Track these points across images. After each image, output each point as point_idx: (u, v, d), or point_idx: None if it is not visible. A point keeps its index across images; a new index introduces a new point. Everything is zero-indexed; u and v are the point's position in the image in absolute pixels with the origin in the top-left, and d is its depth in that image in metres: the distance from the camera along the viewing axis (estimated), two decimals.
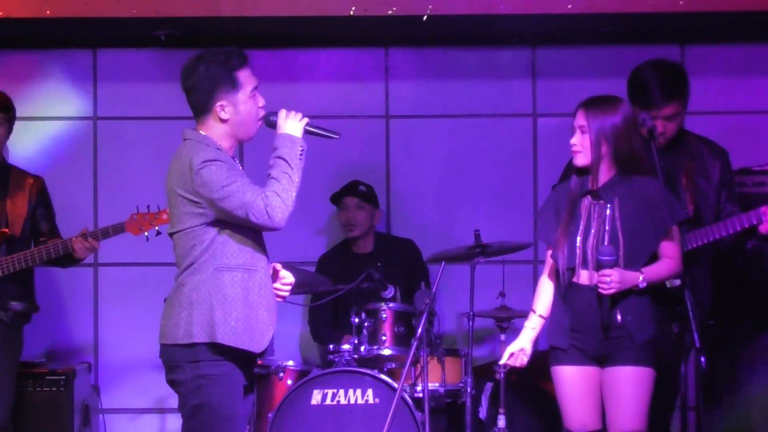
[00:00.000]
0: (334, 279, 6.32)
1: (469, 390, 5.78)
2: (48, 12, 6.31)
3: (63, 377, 6.29)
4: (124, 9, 6.33)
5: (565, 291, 4.81)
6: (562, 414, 4.87)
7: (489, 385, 6.20)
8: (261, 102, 4.44)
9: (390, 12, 6.36)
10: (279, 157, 4.33)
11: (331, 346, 6.03)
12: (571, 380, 4.81)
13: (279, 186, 4.28)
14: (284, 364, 5.98)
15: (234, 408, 4.29)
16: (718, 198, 5.27)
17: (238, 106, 4.38)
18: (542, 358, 6.70)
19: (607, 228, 4.72)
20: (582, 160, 4.78)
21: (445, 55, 7.06)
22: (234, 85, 4.37)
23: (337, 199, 6.68)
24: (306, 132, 4.41)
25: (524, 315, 6.20)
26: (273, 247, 6.52)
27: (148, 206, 5.75)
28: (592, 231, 4.75)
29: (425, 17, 6.38)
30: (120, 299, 6.93)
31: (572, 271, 4.78)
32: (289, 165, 4.31)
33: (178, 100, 7.20)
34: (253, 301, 4.30)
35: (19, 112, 6.26)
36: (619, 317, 4.69)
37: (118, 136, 6.98)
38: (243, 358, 4.32)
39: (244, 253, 4.32)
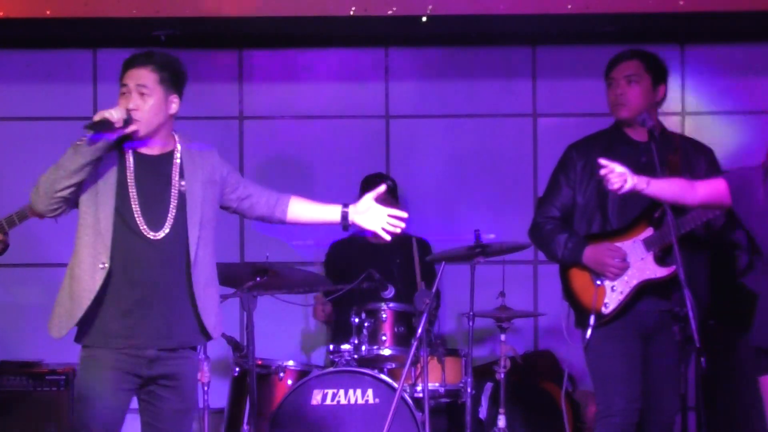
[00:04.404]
0: (347, 267, 6.34)
1: (469, 390, 5.78)
2: (48, 12, 6.32)
3: (63, 377, 6.30)
4: (124, 9, 6.34)
5: None
6: None
7: (489, 385, 6.20)
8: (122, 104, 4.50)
9: (390, 12, 6.37)
10: None
11: (331, 346, 6.03)
12: None
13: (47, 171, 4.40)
14: (284, 364, 5.98)
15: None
16: None
17: None
18: (542, 358, 6.74)
19: None
20: None
21: (445, 55, 7.07)
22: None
23: (364, 191, 6.63)
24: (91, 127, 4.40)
25: (524, 315, 6.23)
26: (273, 247, 6.54)
27: None
28: None
29: (425, 17, 6.39)
30: None
31: None
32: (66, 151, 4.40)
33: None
34: None
35: (19, 112, 6.27)
36: None
37: None
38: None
39: None
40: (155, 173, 4.49)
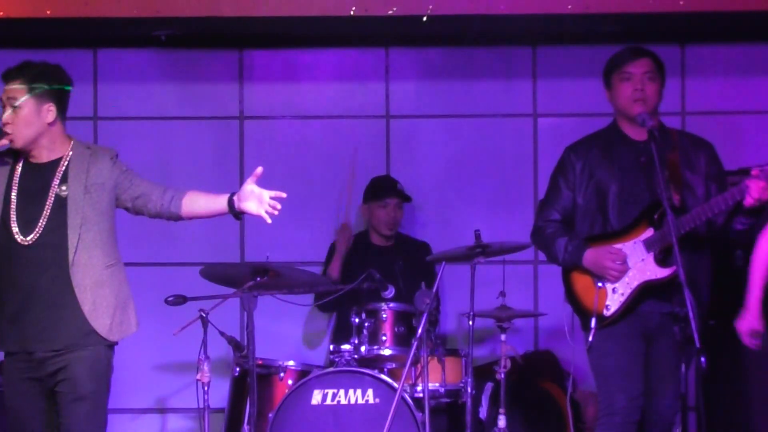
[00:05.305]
0: (348, 267, 6.33)
1: (469, 390, 5.77)
2: (48, 12, 6.32)
3: None
4: (124, 9, 6.35)
5: None
6: None
7: (489, 385, 6.20)
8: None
9: (390, 12, 6.37)
10: None
11: (331, 347, 6.03)
12: None
13: None
14: (284, 364, 5.98)
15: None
16: (708, 190, 5.21)
17: None
18: (542, 358, 6.73)
19: None
20: None
21: (445, 55, 7.06)
22: None
23: (377, 195, 6.64)
24: None
25: (524, 315, 6.23)
26: (273, 246, 6.54)
27: None
28: None
29: (425, 17, 6.39)
30: None
31: None
32: None
33: (178, 100, 7.24)
34: None
35: None
36: None
37: (118, 136, 6.98)
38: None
39: None
40: (39, 179, 4.63)
